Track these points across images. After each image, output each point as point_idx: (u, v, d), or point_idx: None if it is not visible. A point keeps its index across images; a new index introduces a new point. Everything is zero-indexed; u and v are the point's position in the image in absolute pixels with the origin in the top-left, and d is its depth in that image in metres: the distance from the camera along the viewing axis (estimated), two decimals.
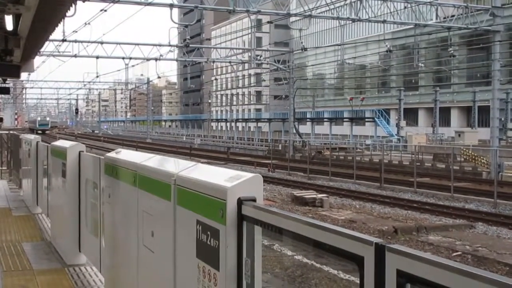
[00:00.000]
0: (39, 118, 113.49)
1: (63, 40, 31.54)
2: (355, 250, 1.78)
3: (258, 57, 43.68)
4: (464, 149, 31.13)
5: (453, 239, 14.27)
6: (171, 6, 26.10)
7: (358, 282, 1.80)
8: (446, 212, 18.21)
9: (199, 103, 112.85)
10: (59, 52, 34.65)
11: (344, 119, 64.98)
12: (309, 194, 20.47)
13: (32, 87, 79.36)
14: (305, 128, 67.27)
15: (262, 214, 2.39)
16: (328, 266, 10.77)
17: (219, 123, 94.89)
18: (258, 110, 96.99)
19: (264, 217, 2.36)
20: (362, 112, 64.16)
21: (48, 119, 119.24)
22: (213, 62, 47.09)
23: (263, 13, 30.31)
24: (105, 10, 25.62)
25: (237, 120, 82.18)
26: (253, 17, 30.60)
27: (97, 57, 36.32)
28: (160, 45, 36.81)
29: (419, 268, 1.54)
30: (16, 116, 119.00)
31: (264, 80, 75.29)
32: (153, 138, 76.03)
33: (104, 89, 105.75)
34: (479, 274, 1.39)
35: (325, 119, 67.67)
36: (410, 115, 63.99)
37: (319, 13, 30.75)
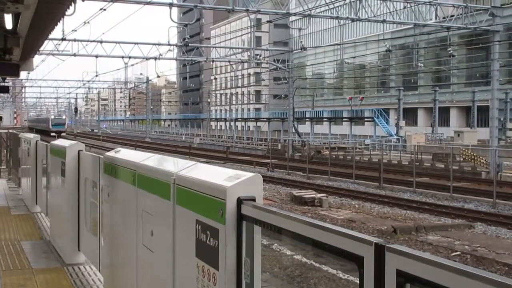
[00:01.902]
0: (52, 116, 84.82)
1: (63, 39, 31.52)
2: (355, 250, 1.79)
3: (258, 57, 43.67)
4: (463, 149, 31.15)
5: (452, 239, 14.28)
6: (171, 5, 26.09)
7: (357, 281, 1.80)
8: (445, 212, 18.22)
9: (198, 102, 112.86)
10: (58, 51, 34.64)
11: (344, 119, 64.99)
12: (308, 194, 20.48)
13: (31, 86, 79.26)
14: (304, 128, 67.28)
15: (261, 213, 2.39)
16: (327, 266, 10.78)
17: (218, 123, 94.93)
18: (258, 109, 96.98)
19: (264, 216, 2.36)
20: (361, 111, 64.14)
21: (64, 117, 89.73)
22: (213, 61, 47.03)
23: (263, 13, 30.33)
24: (105, 9, 25.62)
25: (236, 120, 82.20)
26: (252, 16, 30.59)
27: (97, 56, 36.29)
28: (159, 44, 36.78)
29: (419, 268, 1.54)
30: (15, 115, 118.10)
31: (264, 80, 75.39)
32: (152, 137, 76.00)
33: (103, 88, 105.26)
34: (478, 274, 1.39)
35: (324, 119, 67.68)
36: (410, 115, 64.02)
37: (319, 12, 30.76)
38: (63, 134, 68.81)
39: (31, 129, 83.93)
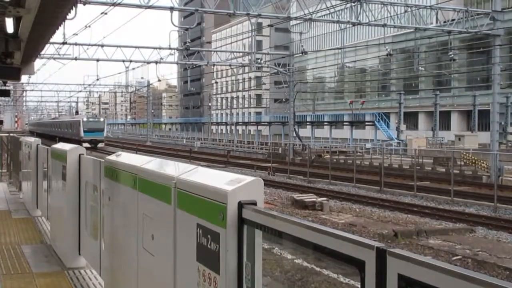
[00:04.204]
0: (85, 119, 59.51)
1: (64, 43, 31.60)
2: (356, 254, 1.78)
3: (259, 61, 43.70)
4: (464, 153, 31.15)
5: (453, 243, 14.26)
6: (172, 9, 26.13)
7: (358, 286, 1.80)
8: (446, 216, 18.20)
9: (199, 106, 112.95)
10: (59, 54, 34.70)
11: (344, 123, 65.01)
12: (309, 198, 20.45)
13: (32, 90, 79.47)
14: (305, 132, 67.29)
15: (262, 217, 2.39)
16: (328, 270, 10.76)
17: (219, 126, 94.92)
18: (258, 113, 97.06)
19: (265, 220, 2.36)
20: (362, 115, 64.18)
21: (102, 119, 62.97)
22: (213, 65, 47.24)
23: (264, 17, 30.31)
24: (106, 13, 25.63)
25: (237, 123, 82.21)
26: (253, 20, 30.61)
27: (98, 60, 36.36)
28: (160, 48, 36.86)
29: (420, 272, 1.54)
30: (16, 119, 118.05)
31: (264, 83, 75.46)
32: (153, 141, 76.00)
33: (104, 91, 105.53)
34: (479, 278, 1.39)
35: (325, 123, 67.72)
36: (410, 119, 64.03)
37: (320, 16, 30.80)
38: (100, 145, 51.16)
39: (32, 133, 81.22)
